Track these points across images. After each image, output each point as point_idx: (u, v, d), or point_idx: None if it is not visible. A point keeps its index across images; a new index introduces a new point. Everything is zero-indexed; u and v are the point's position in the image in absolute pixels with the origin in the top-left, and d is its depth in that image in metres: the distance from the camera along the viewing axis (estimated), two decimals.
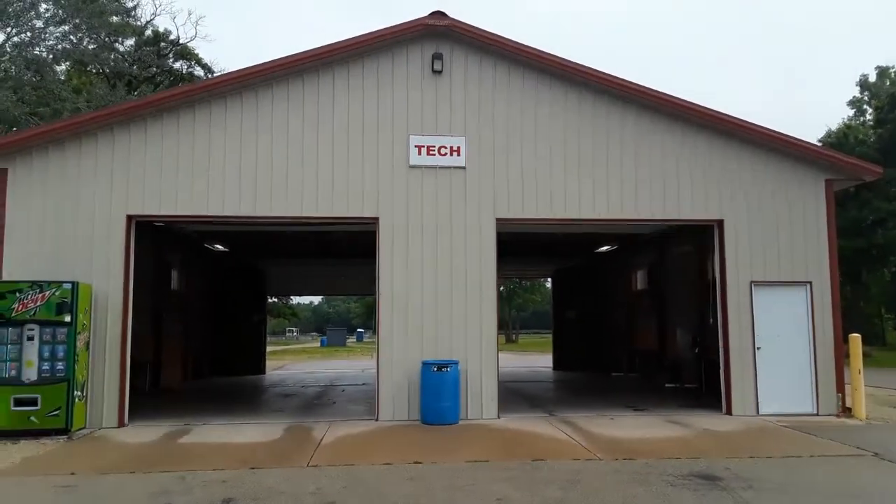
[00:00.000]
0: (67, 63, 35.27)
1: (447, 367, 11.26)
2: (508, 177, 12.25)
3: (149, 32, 38.47)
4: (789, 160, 12.63)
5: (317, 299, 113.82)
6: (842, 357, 12.33)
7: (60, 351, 10.38)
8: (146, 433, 10.60)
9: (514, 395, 15.88)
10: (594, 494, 7.01)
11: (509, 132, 12.34)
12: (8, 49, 30.10)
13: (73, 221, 11.38)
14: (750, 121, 12.38)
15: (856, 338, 12.15)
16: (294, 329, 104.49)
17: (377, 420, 11.57)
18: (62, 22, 29.63)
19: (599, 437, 10.14)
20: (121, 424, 11.19)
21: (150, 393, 16.89)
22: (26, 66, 31.33)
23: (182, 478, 7.73)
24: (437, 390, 11.19)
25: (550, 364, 26.16)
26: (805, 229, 12.59)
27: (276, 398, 16.06)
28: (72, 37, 32.41)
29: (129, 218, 11.61)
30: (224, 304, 24.12)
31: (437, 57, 12.23)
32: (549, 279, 29.70)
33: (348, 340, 72.98)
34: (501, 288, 73.02)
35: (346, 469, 8.07)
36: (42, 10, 29.58)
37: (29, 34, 30.72)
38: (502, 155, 12.27)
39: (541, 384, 18.99)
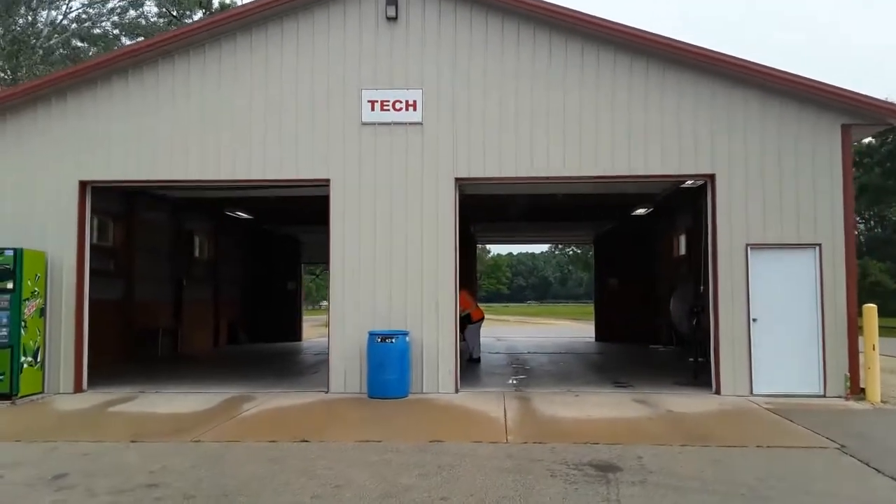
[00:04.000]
0: (139, 39, 36.69)
1: (392, 337, 10.55)
2: (470, 133, 11.22)
3: (216, 5, 39.27)
4: (795, 103, 10.85)
5: None
6: (856, 331, 10.62)
7: (3, 318, 10.48)
8: (92, 399, 10.61)
9: (509, 367, 14.98)
10: (451, 482, 6.18)
11: (471, 83, 11.27)
12: (70, 25, 31.47)
13: (29, 188, 11.43)
14: (744, 57, 10.71)
15: (871, 308, 10.39)
16: None
17: (327, 392, 11.07)
18: None
19: (540, 416, 9.18)
20: (78, 390, 11.28)
21: (163, 358, 17.27)
22: (92, 42, 32.68)
23: (54, 448, 7.54)
24: (382, 362, 10.52)
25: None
26: (815, 183, 10.83)
27: (272, 364, 15.88)
28: (131, 10, 33.53)
29: (83, 184, 11.53)
30: (259, 272, 24.41)
31: (391, 2, 11.29)
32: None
33: None
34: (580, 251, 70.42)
35: (223, 445, 7.61)
36: None
37: (90, 10, 32.01)
38: (463, 109, 11.25)
39: (558, 356, 17.88)
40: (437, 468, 6.65)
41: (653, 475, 6.37)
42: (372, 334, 10.66)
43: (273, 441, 7.78)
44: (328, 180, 11.32)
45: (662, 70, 11.05)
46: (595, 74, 11.16)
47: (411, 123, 11.28)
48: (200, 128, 11.39)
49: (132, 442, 7.79)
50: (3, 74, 27.74)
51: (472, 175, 11.23)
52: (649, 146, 11.01)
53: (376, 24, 11.40)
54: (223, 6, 39.07)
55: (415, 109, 11.28)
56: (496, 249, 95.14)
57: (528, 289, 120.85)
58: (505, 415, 9.20)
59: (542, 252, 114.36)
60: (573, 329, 32.99)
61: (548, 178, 11.23)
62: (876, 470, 6.57)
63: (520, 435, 8.03)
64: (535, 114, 11.14)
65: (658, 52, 10.96)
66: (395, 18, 11.34)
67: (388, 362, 10.50)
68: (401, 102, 11.30)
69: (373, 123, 11.30)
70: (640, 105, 11.05)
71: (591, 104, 11.12)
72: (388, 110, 11.30)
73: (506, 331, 30.74)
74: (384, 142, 11.30)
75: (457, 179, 11.23)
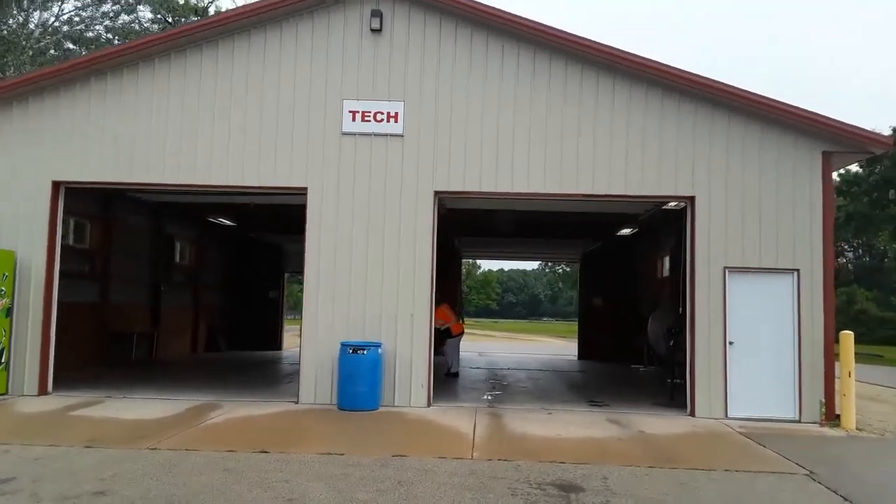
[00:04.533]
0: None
1: (364, 349, 10.41)
2: (450, 147, 11.15)
3: (212, 11, 39.24)
4: (777, 128, 10.86)
5: None
6: (832, 357, 10.56)
7: None
8: (55, 402, 10.38)
9: (487, 382, 14.82)
10: (408, 499, 6.02)
11: (454, 97, 11.22)
12: (61, 27, 31.31)
13: (3, 187, 11.24)
14: (728, 83, 10.71)
15: (847, 335, 10.34)
16: None
17: (297, 403, 10.88)
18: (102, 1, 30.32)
19: (509, 433, 9.04)
20: (42, 392, 11.04)
21: (138, 363, 16.99)
22: (84, 45, 32.51)
23: (7, 451, 7.34)
24: (352, 374, 10.35)
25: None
26: (794, 209, 10.81)
27: (247, 372, 15.66)
28: (124, 14, 33.42)
29: (56, 184, 11.36)
30: (241, 280, 24.17)
31: (376, 14, 11.25)
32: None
33: None
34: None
35: (180, 454, 7.41)
36: None
37: (83, 13, 31.91)
38: (445, 123, 11.18)
39: (538, 373, 17.73)
40: (396, 483, 6.49)
41: (616, 497, 6.24)
42: (344, 345, 10.50)
43: (231, 451, 7.60)
44: (306, 189, 11.21)
45: (645, 91, 11.05)
46: (578, 93, 11.13)
47: (392, 135, 11.20)
48: (178, 132, 11.26)
49: (87, 447, 7.59)
50: None
51: (452, 189, 11.16)
52: (630, 166, 10.98)
53: (360, 36, 11.35)
54: (219, 13, 39.15)
55: (396, 121, 11.21)
56: (487, 265, 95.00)
57: (519, 305, 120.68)
58: (474, 431, 9.05)
59: (532, 269, 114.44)
60: (557, 347, 32.85)
61: (528, 194, 11.17)
62: (843, 498, 6.46)
63: (486, 451, 7.88)
64: (517, 130, 11.10)
65: (641, 74, 10.95)
66: (379, 30, 11.29)
67: (358, 374, 10.35)
68: (382, 114, 11.23)
69: (353, 134, 11.22)
70: (623, 125, 11.03)
71: (573, 122, 11.09)
72: (370, 121, 11.22)
73: (489, 346, 30.57)
74: (364, 152, 11.20)
75: (436, 193, 11.15)
